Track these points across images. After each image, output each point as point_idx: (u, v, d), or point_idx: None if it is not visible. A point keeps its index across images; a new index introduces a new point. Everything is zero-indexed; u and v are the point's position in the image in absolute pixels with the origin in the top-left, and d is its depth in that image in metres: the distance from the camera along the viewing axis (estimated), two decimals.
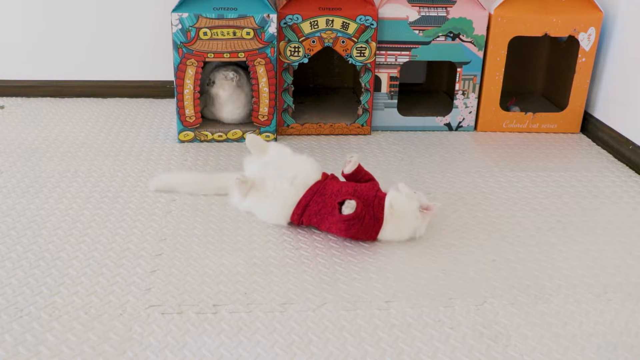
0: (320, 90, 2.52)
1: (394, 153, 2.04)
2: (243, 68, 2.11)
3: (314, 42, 2.06)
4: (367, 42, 2.06)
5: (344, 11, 2.03)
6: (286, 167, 1.58)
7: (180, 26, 1.93)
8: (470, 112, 2.24)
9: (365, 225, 1.45)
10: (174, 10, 1.93)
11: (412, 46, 2.13)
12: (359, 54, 2.08)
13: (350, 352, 1.16)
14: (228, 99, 2.07)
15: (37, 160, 1.90)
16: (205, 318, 1.23)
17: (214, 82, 2.06)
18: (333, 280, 1.36)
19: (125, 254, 1.43)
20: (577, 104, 2.22)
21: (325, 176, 1.59)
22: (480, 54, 2.16)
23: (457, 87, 2.20)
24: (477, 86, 2.21)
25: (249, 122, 2.12)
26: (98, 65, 2.45)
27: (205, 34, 1.95)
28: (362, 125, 2.18)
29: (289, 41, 2.05)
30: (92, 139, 2.07)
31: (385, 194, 1.51)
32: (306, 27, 2.04)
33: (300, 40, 2.05)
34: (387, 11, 2.09)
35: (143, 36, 2.41)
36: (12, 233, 1.50)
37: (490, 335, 1.21)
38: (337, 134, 2.19)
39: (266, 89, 2.03)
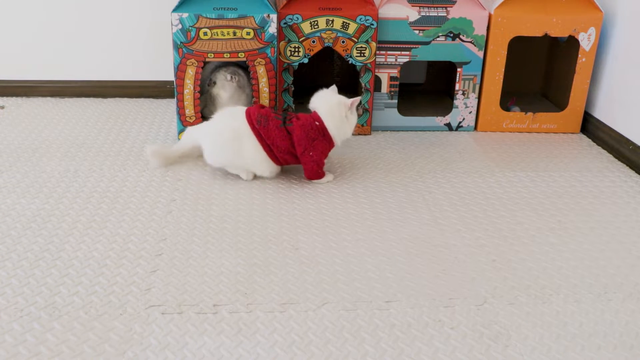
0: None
1: (394, 153, 2.04)
2: (243, 68, 2.11)
3: (314, 42, 2.06)
4: (367, 42, 2.06)
5: (344, 11, 2.03)
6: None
7: (180, 26, 1.93)
8: (470, 112, 2.24)
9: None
10: (174, 10, 1.93)
11: (412, 46, 2.13)
12: (359, 54, 2.08)
13: (350, 352, 1.16)
14: (229, 99, 2.07)
15: (37, 160, 1.90)
16: (205, 318, 1.23)
17: (214, 83, 2.06)
18: (333, 280, 1.36)
19: (125, 254, 1.43)
20: (577, 104, 2.22)
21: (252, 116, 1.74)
22: (480, 54, 2.16)
23: (457, 87, 2.20)
24: (477, 86, 2.21)
25: None
26: (98, 65, 2.45)
27: (205, 34, 1.95)
28: (362, 125, 2.18)
29: (289, 41, 2.05)
30: (92, 139, 2.07)
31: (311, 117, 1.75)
32: (306, 27, 2.04)
33: (300, 40, 2.05)
34: (387, 11, 2.09)
35: (143, 36, 2.41)
36: (12, 233, 1.50)
37: (490, 335, 1.21)
38: None
39: (266, 89, 2.03)
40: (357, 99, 1.75)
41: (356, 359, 1.14)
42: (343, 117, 1.75)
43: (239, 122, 1.74)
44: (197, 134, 1.82)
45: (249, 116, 1.73)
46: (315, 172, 1.78)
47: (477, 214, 1.66)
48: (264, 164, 1.77)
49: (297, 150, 1.74)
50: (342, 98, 1.76)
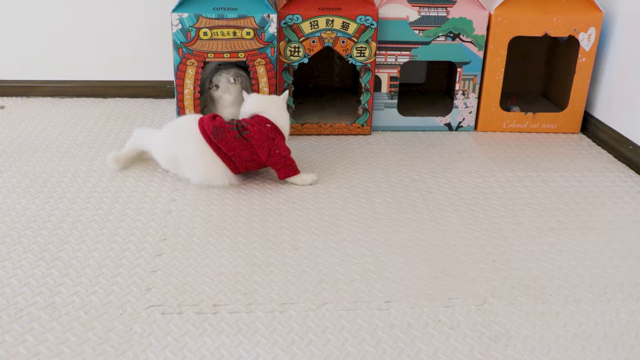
0: (320, 90, 2.52)
1: (394, 153, 2.04)
2: (243, 68, 2.11)
3: (314, 42, 2.06)
4: (367, 42, 2.06)
5: (344, 11, 2.03)
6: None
7: (180, 26, 1.93)
8: (470, 112, 2.24)
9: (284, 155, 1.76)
10: (174, 10, 1.93)
11: (412, 46, 2.13)
12: (359, 54, 2.08)
13: (350, 352, 1.16)
14: (233, 101, 2.06)
15: (37, 160, 1.90)
16: (205, 318, 1.23)
17: (217, 86, 2.05)
18: (333, 280, 1.36)
19: (125, 254, 1.43)
20: (577, 104, 2.22)
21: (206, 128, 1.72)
22: (480, 54, 2.16)
23: (457, 87, 2.20)
24: (477, 86, 2.21)
25: None
26: (98, 65, 2.45)
27: (205, 34, 1.95)
28: (362, 125, 2.18)
29: (289, 41, 2.05)
30: (92, 139, 2.07)
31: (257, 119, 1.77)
32: (306, 27, 2.04)
33: (300, 40, 2.05)
34: (387, 11, 2.09)
35: (143, 36, 2.41)
36: (12, 233, 1.50)
37: (490, 335, 1.21)
38: (337, 134, 2.19)
39: (266, 89, 2.03)
40: (287, 92, 1.87)
41: (356, 359, 1.14)
42: (286, 110, 1.83)
43: (184, 143, 1.72)
44: (149, 146, 1.82)
45: (204, 131, 1.70)
46: (289, 167, 1.77)
47: (477, 214, 1.66)
48: (221, 175, 1.74)
49: (261, 156, 1.73)
50: (275, 96, 1.87)
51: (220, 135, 1.69)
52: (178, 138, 1.74)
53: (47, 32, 2.40)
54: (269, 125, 1.75)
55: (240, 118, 1.82)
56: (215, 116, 1.75)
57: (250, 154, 1.72)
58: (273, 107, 1.79)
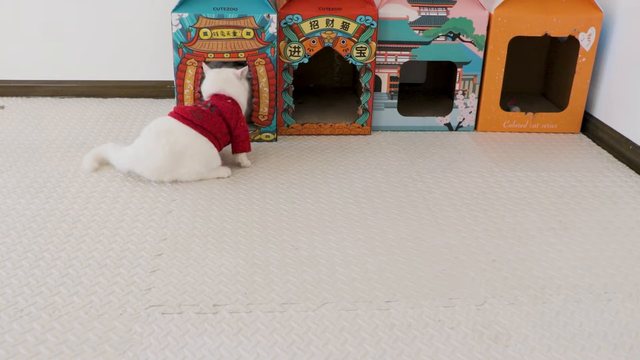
0: (320, 90, 2.52)
1: (394, 153, 2.04)
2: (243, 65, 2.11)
3: (314, 42, 2.06)
4: (367, 42, 2.06)
5: (344, 11, 2.03)
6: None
7: (180, 26, 1.93)
8: (470, 112, 2.24)
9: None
10: (174, 10, 1.93)
11: (412, 46, 2.13)
12: (359, 54, 2.08)
13: (350, 352, 1.16)
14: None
15: (37, 160, 1.90)
16: (205, 318, 1.23)
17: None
18: (333, 280, 1.36)
19: (125, 254, 1.43)
20: (577, 104, 2.22)
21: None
22: (480, 54, 2.16)
23: (457, 87, 2.20)
24: (477, 86, 2.21)
25: (250, 122, 2.12)
26: (98, 65, 2.45)
27: (205, 34, 1.95)
28: (362, 125, 2.18)
29: (289, 41, 2.05)
30: (92, 139, 2.07)
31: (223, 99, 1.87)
32: (306, 27, 2.04)
33: (300, 40, 2.05)
34: (387, 11, 2.09)
35: (143, 36, 2.41)
36: (12, 233, 1.50)
37: (490, 335, 1.21)
38: (337, 134, 2.19)
39: (266, 89, 2.03)
40: (245, 69, 1.92)
41: (356, 359, 1.14)
42: (241, 85, 1.91)
43: (176, 137, 1.73)
44: (125, 161, 1.77)
45: (184, 119, 1.75)
46: (247, 141, 1.89)
47: (477, 214, 1.66)
48: (216, 155, 1.81)
49: (231, 124, 1.83)
50: (231, 71, 1.90)
51: (200, 116, 1.78)
52: (166, 137, 1.72)
53: (48, 32, 2.40)
54: (229, 100, 1.86)
55: (202, 94, 1.91)
56: (184, 106, 1.83)
57: (226, 126, 1.83)
58: (228, 86, 1.88)
